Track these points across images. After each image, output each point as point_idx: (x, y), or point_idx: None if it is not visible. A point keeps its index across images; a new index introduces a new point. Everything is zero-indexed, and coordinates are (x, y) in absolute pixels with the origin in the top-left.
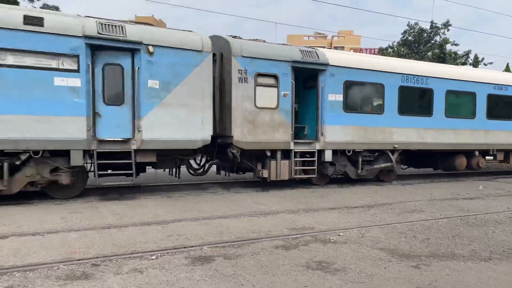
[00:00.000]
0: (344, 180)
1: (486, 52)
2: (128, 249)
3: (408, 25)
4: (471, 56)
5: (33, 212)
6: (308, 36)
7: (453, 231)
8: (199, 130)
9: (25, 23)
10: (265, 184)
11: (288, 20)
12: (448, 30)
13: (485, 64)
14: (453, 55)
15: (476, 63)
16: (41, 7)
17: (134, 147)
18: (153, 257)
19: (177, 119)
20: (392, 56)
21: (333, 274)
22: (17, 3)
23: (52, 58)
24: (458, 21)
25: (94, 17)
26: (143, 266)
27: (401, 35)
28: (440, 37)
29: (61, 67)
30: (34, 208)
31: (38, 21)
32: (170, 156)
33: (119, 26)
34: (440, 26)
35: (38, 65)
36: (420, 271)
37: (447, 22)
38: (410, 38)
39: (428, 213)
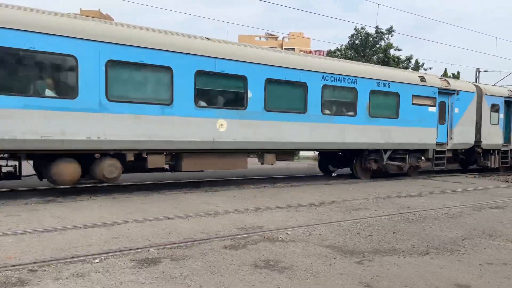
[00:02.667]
0: None
1: (426, 58)
2: (69, 253)
3: (355, 29)
4: (413, 61)
5: None
6: (260, 37)
7: (394, 227)
8: None
9: None
10: (217, 184)
11: (240, 21)
12: (391, 36)
13: (425, 69)
14: (396, 59)
15: (417, 67)
16: None
17: None
18: (96, 261)
19: None
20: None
21: (280, 272)
22: None
23: None
24: (400, 27)
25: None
26: (85, 270)
27: (349, 39)
28: (385, 42)
29: None
30: None
31: None
32: None
33: None
34: (384, 31)
35: None
36: (363, 267)
37: (391, 28)
38: (357, 42)
39: (372, 211)
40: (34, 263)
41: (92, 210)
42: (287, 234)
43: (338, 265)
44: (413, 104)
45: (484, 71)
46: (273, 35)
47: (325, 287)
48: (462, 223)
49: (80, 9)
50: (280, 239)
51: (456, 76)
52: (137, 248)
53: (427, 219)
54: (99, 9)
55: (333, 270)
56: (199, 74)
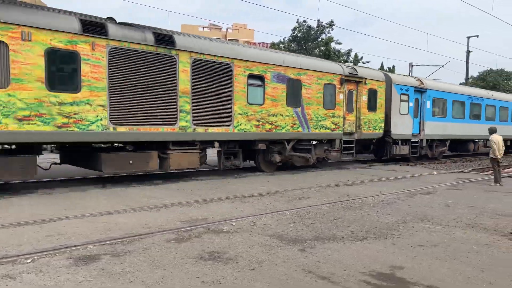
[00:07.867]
0: None
1: (365, 51)
2: None
3: (297, 22)
4: (352, 54)
5: None
6: (203, 27)
7: (335, 215)
8: None
9: None
10: (158, 177)
11: (183, 10)
12: (332, 29)
13: (363, 62)
14: (336, 52)
15: (356, 61)
16: None
17: None
18: (29, 261)
19: None
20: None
21: (225, 263)
22: None
23: None
24: (340, 22)
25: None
26: (16, 271)
27: (291, 32)
28: (326, 35)
29: None
30: None
31: None
32: None
33: None
34: (325, 25)
35: None
36: (306, 254)
37: (331, 22)
38: (299, 34)
39: (314, 199)
40: None
41: (23, 208)
42: (232, 225)
43: (281, 254)
44: None
45: (417, 65)
46: (217, 25)
47: (268, 276)
48: (397, 209)
49: None
50: (224, 230)
51: (392, 70)
52: (74, 246)
53: (365, 206)
54: None
55: (277, 258)
56: None
